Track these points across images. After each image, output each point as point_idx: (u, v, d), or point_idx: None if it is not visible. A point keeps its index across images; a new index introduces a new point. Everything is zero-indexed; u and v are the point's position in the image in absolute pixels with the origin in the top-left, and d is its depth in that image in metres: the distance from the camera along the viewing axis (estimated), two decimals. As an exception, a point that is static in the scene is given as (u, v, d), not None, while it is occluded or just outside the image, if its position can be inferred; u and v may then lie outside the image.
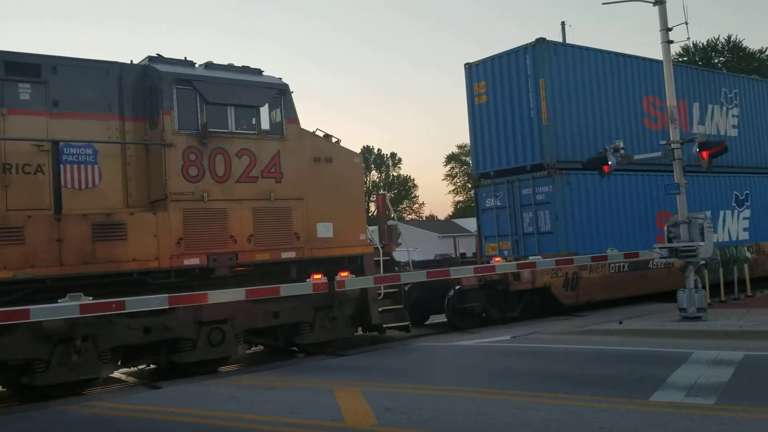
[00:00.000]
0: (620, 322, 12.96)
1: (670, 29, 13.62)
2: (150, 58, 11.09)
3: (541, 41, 16.85)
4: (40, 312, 8.35)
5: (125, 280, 10.07)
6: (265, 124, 11.58)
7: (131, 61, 11.10)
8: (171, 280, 10.44)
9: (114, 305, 8.77)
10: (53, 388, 9.45)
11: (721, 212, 20.08)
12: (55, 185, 9.63)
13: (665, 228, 13.38)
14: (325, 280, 9.57)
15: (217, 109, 11.02)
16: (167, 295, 9.13)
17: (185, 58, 11.31)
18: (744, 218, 20.66)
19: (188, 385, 9.43)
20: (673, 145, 13.35)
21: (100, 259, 9.79)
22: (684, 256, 12.76)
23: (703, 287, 13.11)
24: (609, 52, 18.51)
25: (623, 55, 18.81)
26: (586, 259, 13.69)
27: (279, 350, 12.27)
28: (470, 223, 42.07)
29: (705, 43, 53.29)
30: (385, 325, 12.78)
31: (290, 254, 11.53)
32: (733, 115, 21.49)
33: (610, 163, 13.54)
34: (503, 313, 15.30)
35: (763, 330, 11.17)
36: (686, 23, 13.52)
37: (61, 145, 9.90)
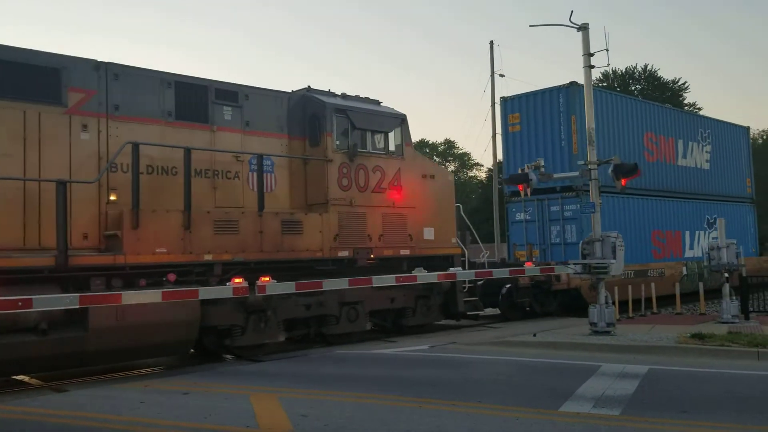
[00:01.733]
0: (534, 335, 13.30)
1: (592, 55, 13.99)
2: (308, 89, 13.64)
3: (573, 84, 19.45)
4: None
5: (300, 265, 12.38)
6: (391, 146, 14.11)
7: (292, 90, 13.60)
8: (329, 268, 12.80)
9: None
10: (242, 349, 11.80)
11: (696, 232, 23.67)
12: (259, 188, 11.96)
13: (580, 245, 13.89)
14: (245, 284, 10.03)
15: (361, 133, 13.47)
16: (79, 294, 9.13)
17: (329, 90, 13.86)
18: (713, 237, 23.03)
19: (96, 389, 9.10)
20: (590, 166, 13.85)
21: (286, 248, 12.20)
22: (596, 273, 13.26)
23: (613, 303, 13.68)
24: (621, 96, 21.83)
25: (630, 97, 22.47)
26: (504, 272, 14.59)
27: (204, 354, 12.15)
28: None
29: (624, 70, 55.36)
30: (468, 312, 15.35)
31: (405, 252, 14.07)
32: (706, 151, 25.03)
33: (531, 179, 14.27)
34: (544, 308, 18.02)
35: (666, 345, 11.66)
36: (607, 50, 13.94)
37: (249, 157, 12.31)
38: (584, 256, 13.54)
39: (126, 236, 10.28)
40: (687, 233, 23.20)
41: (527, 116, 20.65)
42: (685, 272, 22.06)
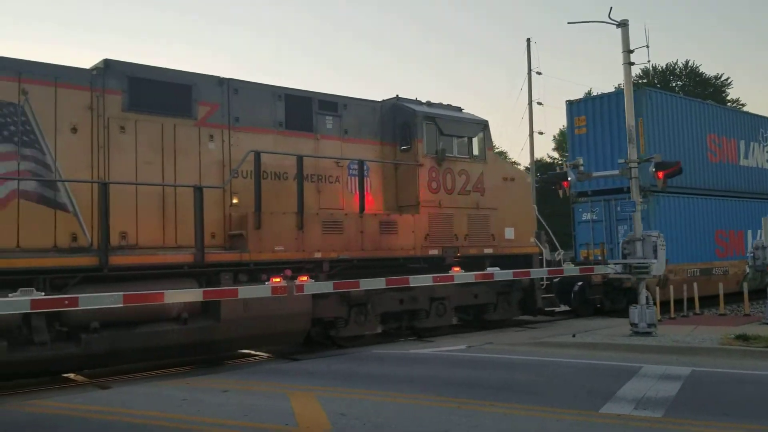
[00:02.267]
0: (573, 335, 13.21)
1: (632, 51, 13.82)
2: (397, 98, 14.68)
3: (642, 88, 20.36)
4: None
5: (394, 263, 13.36)
6: (474, 151, 15.01)
7: (382, 99, 14.69)
8: (420, 266, 13.60)
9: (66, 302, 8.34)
10: (345, 339, 12.90)
11: (758, 231, 23.14)
12: (360, 191, 13.06)
13: (621, 244, 13.80)
14: (284, 283, 9.91)
15: (447, 138, 14.44)
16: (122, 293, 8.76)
17: (416, 98, 14.85)
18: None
19: (139, 386, 9.32)
20: (630, 164, 13.74)
21: (383, 246, 13.20)
22: (637, 273, 13.09)
23: (654, 303, 13.45)
24: (684, 98, 22.37)
25: (693, 100, 22.88)
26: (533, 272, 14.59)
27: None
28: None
29: (664, 67, 54.28)
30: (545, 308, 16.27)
31: (489, 250, 14.91)
32: (767, 151, 25.34)
33: (570, 179, 14.23)
34: (613, 305, 18.59)
35: (708, 347, 11.46)
36: (647, 46, 13.67)
37: (347, 163, 13.42)
38: (624, 256, 13.41)
39: (250, 236, 11.40)
40: (749, 232, 23.52)
41: (593, 119, 21.20)
42: (747, 270, 22.44)
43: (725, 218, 22.53)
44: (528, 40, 32.77)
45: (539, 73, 33.11)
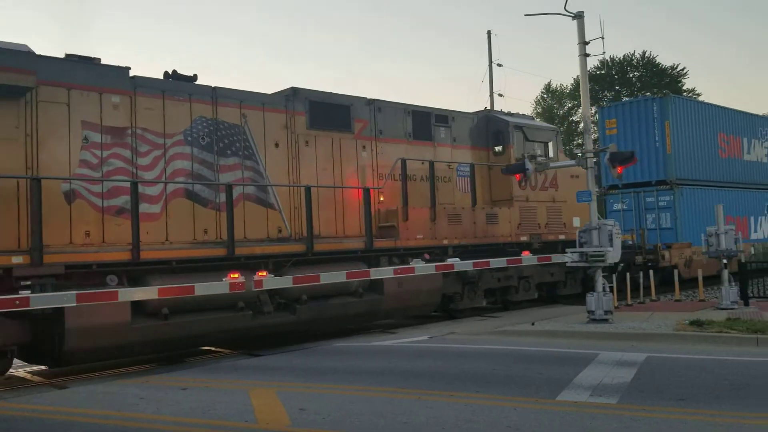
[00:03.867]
0: (533, 324, 13.43)
1: (587, 43, 13.99)
2: (487, 110, 17.71)
3: (667, 94, 23.65)
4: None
5: (496, 248, 16.03)
6: (550, 153, 17.81)
7: (475, 111, 17.59)
8: (513, 249, 16.32)
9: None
10: (460, 311, 15.63)
11: (759, 217, 27.79)
12: (472, 189, 16.01)
13: (577, 234, 14.08)
14: (242, 279, 10.66)
15: (530, 143, 17.19)
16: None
17: (501, 110, 17.69)
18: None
19: (96, 385, 9.23)
20: (586, 155, 13.99)
21: (489, 234, 15.97)
22: (593, 261, 13.28)
23: (611, 291, 13.83)
24: (700, 102, 26.31)
25: (706, 104, 26.39)
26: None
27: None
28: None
29: (621, 58, 55.42)
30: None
31: (562, 236, 17.58)
32: (765, 147, 29.03)
33: (527, 168, 14.50)
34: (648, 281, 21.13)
35: (663, 333, 11.63)
36: (602, 38, 13.97)
37: (456, 165, 16.21)
38: (581, 245, 13.65)
39: (401, 226, 14.24)
40: (752, 218, 27.15)
41: (623, 122, 24.47)
42: (753, 252, 25.97)
43: (733, 206, 25.92)
44: (489, 32, 33.20)
45: (500, 65, 33.52)
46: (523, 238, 16.89)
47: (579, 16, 14.02)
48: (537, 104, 62.56)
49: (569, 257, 13.72)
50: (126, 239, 10.69)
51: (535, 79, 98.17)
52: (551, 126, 18.39)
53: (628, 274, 18.95)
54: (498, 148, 17.16)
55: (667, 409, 6.77)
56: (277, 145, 13.02)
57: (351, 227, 13.93)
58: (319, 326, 13.27)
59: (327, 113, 13.88)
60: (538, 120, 18.56)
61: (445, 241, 15.12)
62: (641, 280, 17.52)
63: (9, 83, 9.56)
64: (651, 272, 18.25)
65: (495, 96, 33.23)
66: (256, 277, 11.14)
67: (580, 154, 14.29)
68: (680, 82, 55.28)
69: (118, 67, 11.21)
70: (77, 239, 10.41)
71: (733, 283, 15.21)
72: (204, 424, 6.70)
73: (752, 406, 6.89)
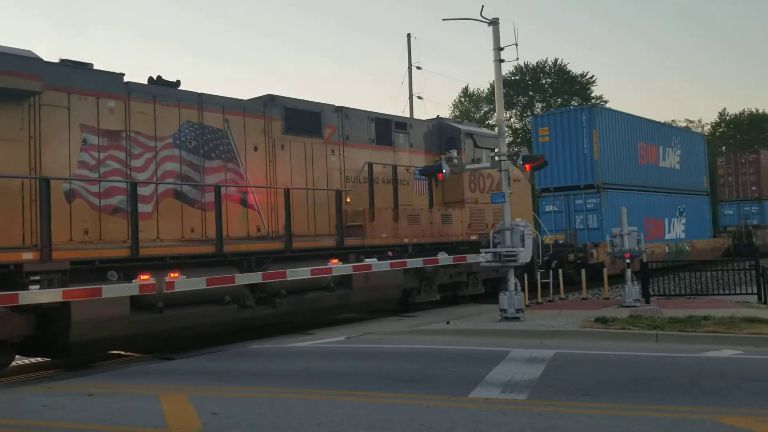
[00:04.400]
0: (447, 323, 13.71)
1: (502, 49, 14.38)
2: (439, 118, 18.90)
3: (594, 105, 25.82)
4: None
5: (449, 246, 17.09)
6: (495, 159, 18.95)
7: (428, 119, 18.78)
8: (464, 248, 17.50)
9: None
10: (417, 305, 16.70)
11: (672, 219, 30.48)
12: (429, 191, 17.27)
13: (491, 234, 14.41)
14: (152, 281, 10.64)
15: (479, 150, 18.50)
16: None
17: (452, 117, 18.74)
18: (682, 224, 30.87)
19: None
20: (499, 157, 14.48)
21: (444, 233, 17.14)
22: (506, 261, 13.65)
23: (522, 290, 14.31)
24: (622, 113, 28.20)
25: (629, 114, 28.63)
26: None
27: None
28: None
29: (535, 65, 58.24)
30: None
31: None
32: (677, 155, 31.77)
33: (444, 171, 15.00)
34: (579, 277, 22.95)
35: (571, 329, 12.06)
36: (516, 44, 14.35)
37: (414, 169, 17.29)
38: (495, 245, 13.98)
39: (367, 226, 15.31)
40: (666, 220, 29.78)
41: (555, 130, 26.31)
42: (667, 250, 28.55)
43: (650, 209, 28.50)
44: (408, 35, 33.88)
45: (419, 68, 33.61)
46: (473, 237, 18.27)
47: (494, 23, 14.43)
48: (455, 107, 64.42)
49: (483, 257, 14.06)
50: (121, 237, 11.33)
51: (454, 83, 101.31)
52: (497, 134, 19.84)
53: (561, 271, 20.73)
54: (453, 152, 18.42)
55: (574, 404, 6.98)
56: (255, 148, 13.83)
57: (321, 226, 14.89)
58: (297, 318, 14.17)
59: (300, 119, 14.78)
60: (484, 128, 19.97)
61: (406, 240, 16.29)
62: (550, 280, 18.44)
63: (18, 87, 10.04)
64: (583, 270, 19.83)
65: (414, 98, 33.00)
66: (167, 279, 11.02)
67: (496, 158, 14.76)
68: (589, 89, 57.95)
69: (114, 72, 11.77)
70: (76, 236, 10.94)
71: (636, 282, 15.94)
72: (111, 431, 6.51)
73: (652, 399, 7.17)
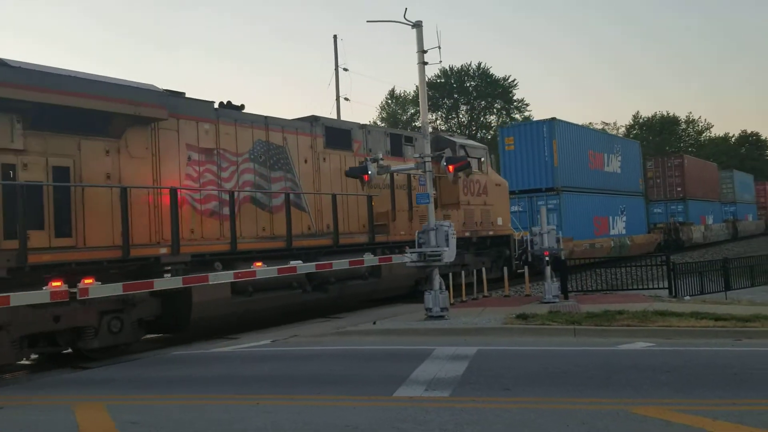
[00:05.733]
0: (374, 323, 13.91)
1: (425, 51, 14.71)
2: (435, 130, 21.91)
3: (554, 119, 29.33)
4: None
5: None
6: (483, 167, 22.34)
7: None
8: (461, 243, 19.82)
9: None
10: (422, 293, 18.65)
11: (615, 217, 34.87)
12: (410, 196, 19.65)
13: (416, 234, 14.63)
14: (65, 287, 10.42)
15: (471, 160, 21.04)
16: None
17: (447, 130, 21.92)
18: (623, 221, 35.23)
19: None
20: (424, 158, 14.91)
21: None
22: (431, 260, 13.91)
23: (447, 289, 14.48)
24: (578, 126, 32.71)
25: (582, 126, 33.45)
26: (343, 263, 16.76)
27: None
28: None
29: (459, 68, 61.18)
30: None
31: (491, 233, 22.24)
32: (618, 161, 36.19)
33: (369, 172, 14.95)
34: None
35: (493, 326, 12.38)
36: (439, 47, 14.59)
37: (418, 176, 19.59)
38: (420, 245, 14.23)
39: (390, 225, 18.30)
40: (611, 217, 34.02)
41: (519, 139, 30.15)
42: (612, 244, 32.72)
43: (599, 208, 32.64)
44: (335, 36, 33.79)
45: (346, 70, 33.81)
46: (467, 234, 21.49)
47: (417, 26, 14.73)
48: (382, 109, 66.24)
49: (408, 257, 14.37)
50: (215, 235, 13.93)
51: (381, 85, 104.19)
52: (483, 145, 23.27)
53: (526, 268, 24.13)
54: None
55: (495, 399, 7.15)
56: (306, 161, 16.60)
57: (353, 225, 17.76)
58: (344, 301, 17.00)
59: (336, 136, 17.63)
60: (471, 140, 23.24)
61: (417, 237, 19.33)
62: (474, 278, 18.65)
63: (151, 116, 12.54)
64: (526, 267, 21.93)
65: (341, 100, 33.48)
66: (81, 285, 10.77)
67: (420, 158, 15.24)
68: (511, 92, 61.39)
69: (207, 101, 14.33)
70: (185, 235, 13.45)
71: (555, 279, 16.57)
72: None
73: (569, 392, 7.42)
